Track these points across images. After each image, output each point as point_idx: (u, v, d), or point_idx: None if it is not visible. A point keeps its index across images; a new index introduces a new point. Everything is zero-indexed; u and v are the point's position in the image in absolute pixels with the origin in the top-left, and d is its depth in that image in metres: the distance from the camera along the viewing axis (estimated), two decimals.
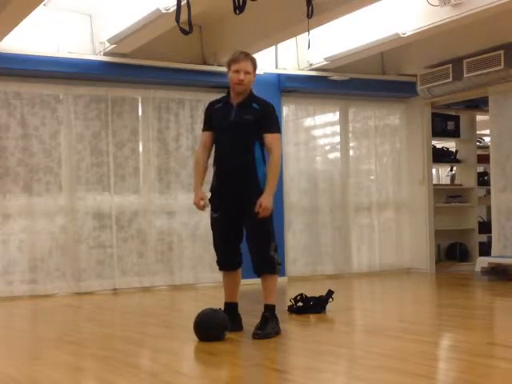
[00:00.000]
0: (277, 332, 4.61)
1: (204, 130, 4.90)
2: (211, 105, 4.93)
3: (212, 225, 4.83)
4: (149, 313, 6.22)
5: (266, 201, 4.54)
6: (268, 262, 4.65)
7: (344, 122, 8.93)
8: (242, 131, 4.64)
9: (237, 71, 4.66)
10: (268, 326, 4.57)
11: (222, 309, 4.80)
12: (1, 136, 7.17)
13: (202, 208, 4.73)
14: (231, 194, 4.68)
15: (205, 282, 7.95)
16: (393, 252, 9.13)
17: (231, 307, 4.85)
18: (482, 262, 8.19)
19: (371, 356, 3.99)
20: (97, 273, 7.50)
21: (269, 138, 4.64)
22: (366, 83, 8.59)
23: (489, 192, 8.90)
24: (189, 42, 7.05)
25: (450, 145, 10.17)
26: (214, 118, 4.80)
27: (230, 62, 4.74)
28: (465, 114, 9.59)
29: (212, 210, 4.81)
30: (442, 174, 12.15)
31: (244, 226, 4.73)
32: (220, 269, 4.88)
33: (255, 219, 4.58)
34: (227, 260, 4.82)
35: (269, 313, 4.65)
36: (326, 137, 9.05)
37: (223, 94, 8.22)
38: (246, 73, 4.66)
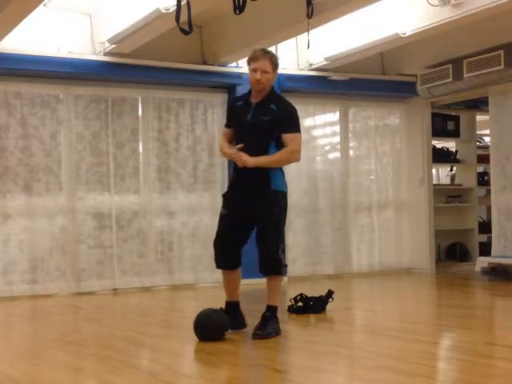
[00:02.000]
0: (277, 332, 4.60)
1: (226, 125, 4.93)
2: (234, 101, 4.95)
3: (219, 221, 4.82)
4: (149, 313, 6.22)
5: (248, 157, 4.48)
6: (275, 264, 4.65)
7: (344, 121, 8.93)
8: (257, 131, 4.61)
9: (254, 70, 4.60)
10: (268, 327, 4.56)
11: (223, 308, 4.79)
12: (1, 136, 7.17)
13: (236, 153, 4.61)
14: (242, 194, 4.68)
15: (205, 282, 7.95)
16: (393, 252, 9.13)
17: (233, 306, 4.83)
18: (481, 262, 8.19)
19: (371, 356, 3.99)
20: (97, 273, 7.50)
21: (287, 137, 4.61)
22: (366, 83, 8.58)
23: (489, 192, 8.90)
24: (189, 41, 7.04)
25: (450, 145, 10.17)
26: (234, 116, 4.81)
27: (249, 60, 4.69)
28: (465, 113, 9.59)
29: (222, 206, 4.82)
30: (442, 174, 12.15)
31: (255, 226, 4.72)
32: (217, 266, 4.84)
33: (264, 220, 4.60)
34: (224, 259, 4.78)
35: (269, 313, 4.65)
36: (325, 137, 9.05)
37: (223, 94, 8.24)
38: (264, 72, 4.58)
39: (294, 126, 4.67)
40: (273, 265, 4.64)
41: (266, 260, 4.65)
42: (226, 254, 4.77)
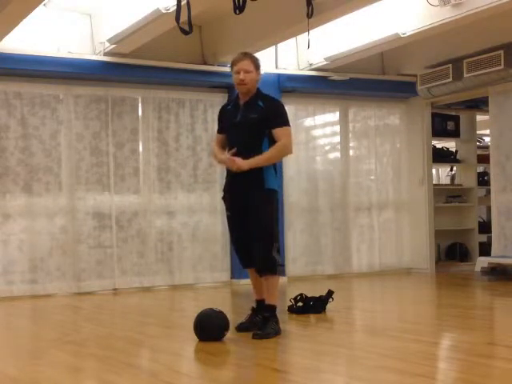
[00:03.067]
0: (277, 332, 4.60)
1: (217, 132, 5.00)
2: (223, 107, 5.04)
3: (227, 223, 4.92)
4: (149, 313, 6.22)
5: (242, 161, 4.50)
6: (269, 263, 4.65)
7: (344, 121, 8.93)
8: (247, 130, 4.66)
9: (237, 72, 4.68)
10: (268, 327, 4.57)
11: (254, 307, 4.84)
12: (1, 136, 7.18)
13: (227, 158, 4.67)
14: (238, 194, 4.72)
15: (205, 282, 7.96)
16: (393, 252, 9.13)
17: (262, 304, 4.82)
18: (481, 262, 8.19)
19: (371, 356, 3.99)
20: (97, 273, 7.50)
21: (278, 131, 4.65)
22: (366, 83, 8.58)
23: (489, 192, 8.90)
24: (189, 42, 7.04)
25: (450, 145, 10.17)
26: (224, 120, 4.88)
27: (231, 65, 4.79)
28: (465, 113, 9.59)
29: (225, 208, 4.90)
30: (442, 174, 12.15)
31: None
32: (242, 267, 4.92)
33: (257, 219, 4.62)
34: (244, 258, 4.84)
35: (269, 313, 4.66)
36: (326, 137, 9.04)
37: (223, 94, 8.27)
38: (246, 72, 4.65)
39: (282, 120, 4.71)
40: (267, 265, 4.65)
41: (262, 260, 4.66)
42: (245, 254, 4.82)
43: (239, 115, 4.73)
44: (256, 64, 4.73)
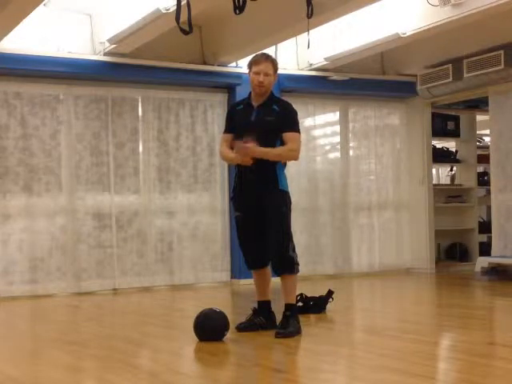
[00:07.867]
0: (298, 330, 4.61)
1: (225, 131, 4.94)
2: (233, 107, 5.03)
3: (236, 224, 4.89)
4: (149, 313, 6.22)
5: (254, 147, 4.50)
6: (287, 262, 4.67)
7: (344, 122, 8.93)
8: (262, 132, 4.64)
9: (257, 73, 4.68)
10: (290, 325, 4.59)
11: (256, 308, 4.85)
12: (1, 136, 7.17)
13: (243, 147, 4.59)
14: (251, 194, 4.71)
15: (205, 282, 7.96)
16: (393, 252, 9.13)
17: (264, 305, 4.86)
18: (481, 261, 8.20)
19: (371, 356, 3.99)
20: (97, 273, 7.50)
21: (287, 135, 4.66)
22: (366, 83, 8.59)
23: (489, 192, 8.90)
24: (189, 42, 7.04)
25: (450, 145, 10.18)
26: (236, 120, 4.84)
27: (250, 64, 4.77)
28: (465, 114, 9.60)
29: (234, 209, 4.88)
30: (442, 173, 12.15)
31: (266, 226, 4.74)
32: (248, 267, 4.91)
33: (273, 219, 4.62)
34: (251, 259, 4.84)
35: (290, 311, 4.67)
36: (326, 137, 9.05)
37: (223, 94, 8.26)
38: (266, 75, 4.67)
39: (293, 125, 4.72)
40: (285, 264, 4.67)
41: (279, 260, 4.67)
42: (252, 254, 4.82)
43: (254, 116, 4.73)
44: (275, 68, 4.76)
